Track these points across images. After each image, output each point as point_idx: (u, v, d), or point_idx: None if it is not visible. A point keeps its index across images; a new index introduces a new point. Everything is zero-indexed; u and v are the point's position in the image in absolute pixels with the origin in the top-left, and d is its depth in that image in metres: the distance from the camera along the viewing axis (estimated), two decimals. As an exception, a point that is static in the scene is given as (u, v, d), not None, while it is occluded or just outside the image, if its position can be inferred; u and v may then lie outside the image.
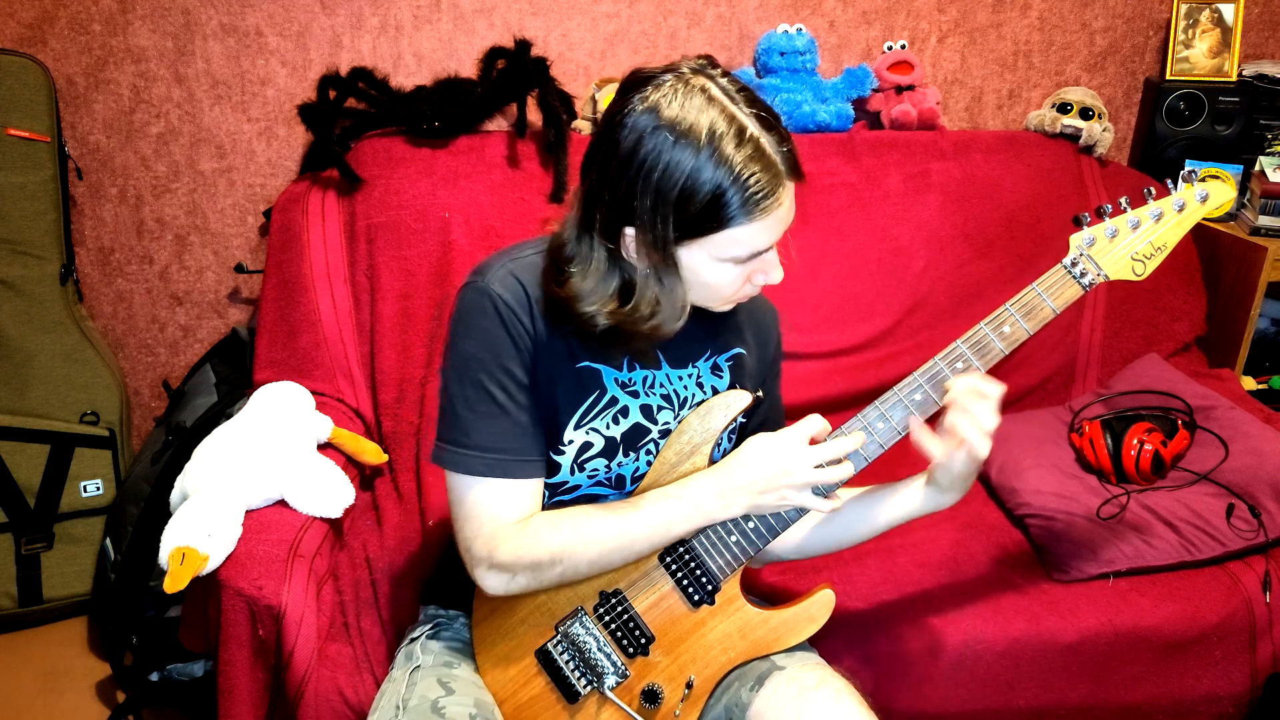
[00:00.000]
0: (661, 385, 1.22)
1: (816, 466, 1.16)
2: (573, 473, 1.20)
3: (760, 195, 1.03)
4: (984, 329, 1.18)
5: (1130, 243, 1.20)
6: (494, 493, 1.13)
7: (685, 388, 1.23)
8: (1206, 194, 1.22)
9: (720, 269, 1.08)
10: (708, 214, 1.03)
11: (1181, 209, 1.21)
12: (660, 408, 1.22)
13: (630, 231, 1.06)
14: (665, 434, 1.22)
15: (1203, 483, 1.79)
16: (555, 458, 1.18)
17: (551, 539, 1.14)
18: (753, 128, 1.02)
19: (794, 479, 1.15)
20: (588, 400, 1.18)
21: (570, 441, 1.18)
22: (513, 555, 1.13)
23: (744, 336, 1.30)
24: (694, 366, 1.24)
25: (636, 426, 1.21)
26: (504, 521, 1.14)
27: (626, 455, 1.21)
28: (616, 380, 1.19)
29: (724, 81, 1.04)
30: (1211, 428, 1.88)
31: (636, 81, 1.06)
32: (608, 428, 1.19)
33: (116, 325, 2.32)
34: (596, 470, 1.20)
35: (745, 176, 1.02)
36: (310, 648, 1.42)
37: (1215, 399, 1.95)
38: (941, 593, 1.61)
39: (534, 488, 1.17)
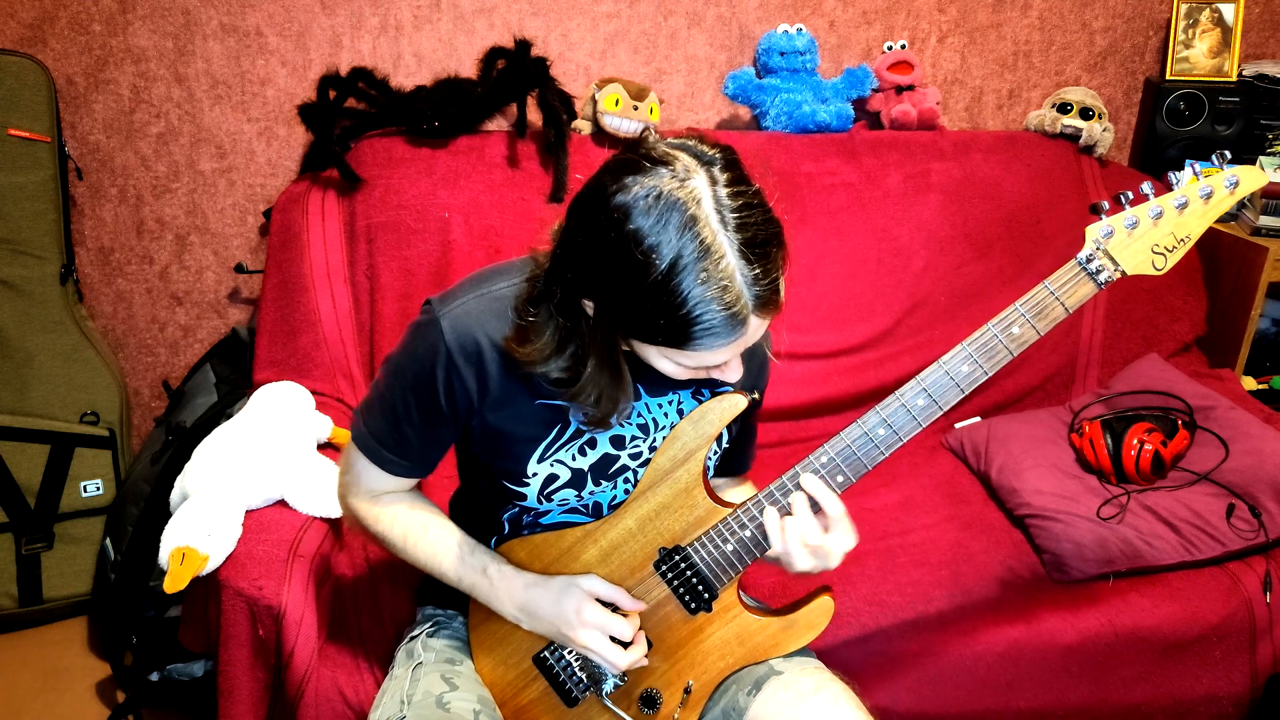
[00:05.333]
0: (639, 415, 1.19)
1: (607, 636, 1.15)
2: (540, 502, 1.19)
3: (716, 331, 0.95)
4: (991, 330, 1.12)
5: (1151, 234, 1.11)
6: (367, 466, 1.23)
7: (666, 415, 1.20)
8: (1236, 180, 1.11)
9: (671, 365, 1.04)
10: (660, 329, 0.97)
11: (1209, 197, 1.11)
12: (634, 437, 1.19)
13: (589, 304, 1.02)
14: (636, 458, 1.20)
15: (1203, 483, 1.79)
16: (519, 488, 1.18)
17: (385, 525, 1.24)
18: (731, 257, 0.93)
19: (577, 636, 1.15)
20: (550, 435, 1.16)
21: (534, 474, 1.17)
22: (356, 511, 1.27)
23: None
24: (675, 394, 1.20)
25: (605, 456, 1.18)
26: (365, 486, 1.25)
27: (598, 484, 1.19)
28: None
29: (723, 191, 0.94)
30: (1212, 428, 1.88)
31: (632, 161, 0.96)
32: (574, 459, 1.17)
33: (116, 325, 2.32)
34: (566, 499, 1.19)
35: (706, 309, 0.93)
36: (310, 648, 1.42)
37: (1215, 399, 1.95)
38: (941, 593, 1.61)
39: (400, 482, 1.25)
